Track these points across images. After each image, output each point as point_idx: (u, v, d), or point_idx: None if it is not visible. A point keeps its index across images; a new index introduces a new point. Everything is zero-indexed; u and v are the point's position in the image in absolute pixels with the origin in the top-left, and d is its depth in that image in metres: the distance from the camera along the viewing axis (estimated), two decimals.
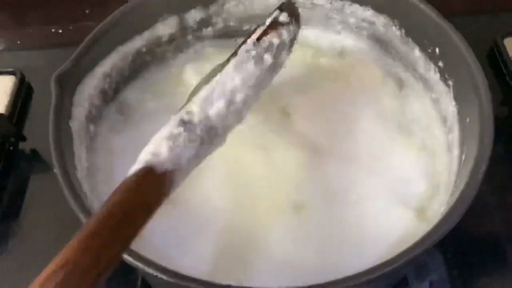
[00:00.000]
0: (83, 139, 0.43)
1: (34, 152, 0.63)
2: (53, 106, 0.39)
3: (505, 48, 0.64)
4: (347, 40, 0.55)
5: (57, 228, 0.51)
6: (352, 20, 0.52)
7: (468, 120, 0.41)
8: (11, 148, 0.63)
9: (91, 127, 0.45)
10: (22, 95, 0.66)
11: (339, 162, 0.46)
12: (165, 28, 0.51)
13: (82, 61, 0.43)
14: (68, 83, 0.42)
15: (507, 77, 0.63)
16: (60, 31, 0.75)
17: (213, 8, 0.54)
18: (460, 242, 0.51)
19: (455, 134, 0.43)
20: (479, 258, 0.51)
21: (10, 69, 0.67)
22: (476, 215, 0.53)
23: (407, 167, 0.46)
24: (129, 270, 0.51)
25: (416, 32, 0.48)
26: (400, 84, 0.51)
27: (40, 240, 0.53)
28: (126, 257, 0.32)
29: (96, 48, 0.45)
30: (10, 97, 0.64)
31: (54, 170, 0.36)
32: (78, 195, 0.35)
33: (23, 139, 0.64)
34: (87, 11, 0.77)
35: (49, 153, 0.63)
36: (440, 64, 0.46)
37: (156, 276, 0.32)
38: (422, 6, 0.45)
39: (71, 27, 0.76)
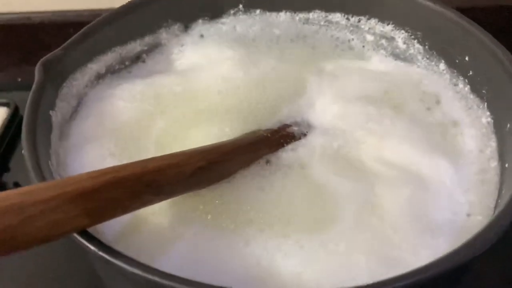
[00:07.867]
0: (64, 133, 0.38)
1: (17, 185, 0.61)
2: (33, 91, 0.35)
3: None
4: None
5: (46, 254, 0.49)
6: (370, 37, 0.48)
7: (508, 126, 0.36)
8: None
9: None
10: (13, 127, 0.65)
11: None
12: (169, 36, 0.48)
13: (74, 52, 0.40)
14: (55, 72, 0.38)
15: None
16: None
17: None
18: None
19: (493, 147, 0.38)
20: None
21: (4, 101, 0.66)
22: None
23: None
24: None
25: (441, 42, 0.44)
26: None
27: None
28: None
29: (91, 42, 0.41)
30: (0, 128, 0.63)
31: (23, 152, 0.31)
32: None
33: (7, 170, 0.62)
34: None
35: None
36: (470, 73, 0.42)
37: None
38: (448, 12, 0.42)
39: None
